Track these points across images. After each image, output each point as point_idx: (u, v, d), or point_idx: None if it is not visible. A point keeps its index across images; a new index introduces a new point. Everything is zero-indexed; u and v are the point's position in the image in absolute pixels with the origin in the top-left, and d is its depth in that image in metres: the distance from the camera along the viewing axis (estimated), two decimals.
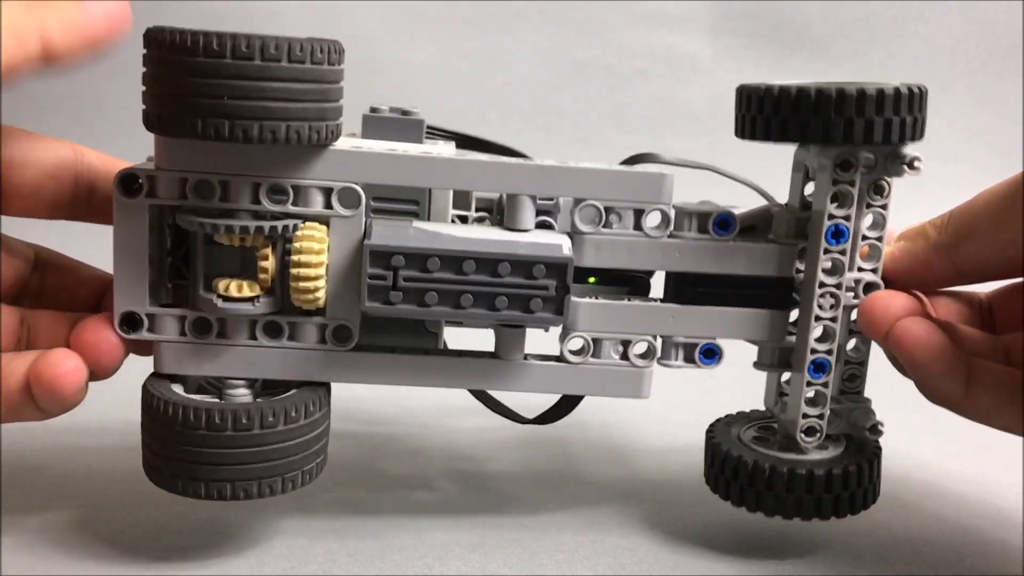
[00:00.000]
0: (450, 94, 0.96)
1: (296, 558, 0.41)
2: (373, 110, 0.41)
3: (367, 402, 0.54)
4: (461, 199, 0.42)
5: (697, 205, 0.40)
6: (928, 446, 0.52)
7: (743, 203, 0.43)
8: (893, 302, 0.38)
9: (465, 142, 0.45)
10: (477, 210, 0.42)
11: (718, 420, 0.45)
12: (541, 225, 0.40)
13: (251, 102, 0.34)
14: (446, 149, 0.41)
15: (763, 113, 0.38)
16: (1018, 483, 0.49)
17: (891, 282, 0.40)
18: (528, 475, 0.49)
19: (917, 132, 0.38)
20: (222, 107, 0.33)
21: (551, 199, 0.40)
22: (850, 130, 0.37)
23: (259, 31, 0.35)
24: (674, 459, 0.51)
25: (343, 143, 0.38)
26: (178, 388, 0.39)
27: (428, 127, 0.43)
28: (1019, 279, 0.42)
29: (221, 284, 0.37)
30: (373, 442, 0.52)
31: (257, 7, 0.93)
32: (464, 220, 0.42)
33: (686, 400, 0.54)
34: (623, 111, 0.97)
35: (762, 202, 0.43)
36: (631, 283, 0.42)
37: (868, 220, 0.40)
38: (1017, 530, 0.45)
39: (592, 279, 0.41)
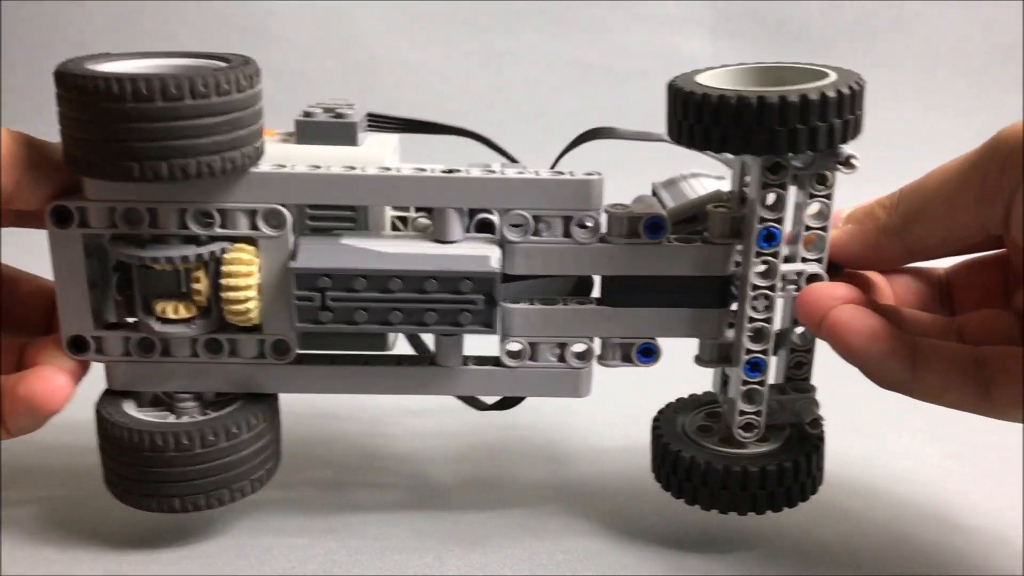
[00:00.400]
0: (450, 94, 0.96)
1: (296, 558, 0.41)
2: (306, 114, 0.41)
3: (363, 401, 0.54)
4: None
5: (628, 208, 0.39)
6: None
7: (708, 171, 0.42)
8: (826, 293, 0.38)
9: (412, 127, 0.44)
10: (418, 209, 0.42)
11: (668, 406, 0.44)
12: (482, 223, 0.40)
13: (156, 143, 0.34)
14: (386, 146, 0.41)
15: (687, 119, 0.36)
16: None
17: (839, 265, 0.40)
18: (526, 475, 0.49)
19: (849, 134, 0.36)
20: (129, 150, 0.34)
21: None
22: (773, 141, 0.35)
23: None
24: None
25: (272, 153, 0.38)
26: (130, 404, 0.40)
27: (370, 115, 0.43)
28: (976, 255, 0.41)
29: (158, 306, 0.38)
30: (375, 442, 0.52)
31: (257, 7, 0.93)
32: (404, 221, 0.42)
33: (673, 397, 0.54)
34: (623, 111, 0.97)
35: (725, 170, 0.42)
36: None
37: (812, 209, 0.39)
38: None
39: None
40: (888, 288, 0.41)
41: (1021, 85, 0.95)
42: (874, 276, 0.41)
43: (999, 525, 0.45)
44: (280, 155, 0.39)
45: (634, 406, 0.47)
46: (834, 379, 0.42)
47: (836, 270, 0.40)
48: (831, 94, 0.35)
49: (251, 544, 0.42)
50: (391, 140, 0.42)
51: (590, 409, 0.52)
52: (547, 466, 0.50)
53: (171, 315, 0.38)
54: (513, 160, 0.45)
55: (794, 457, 0.40)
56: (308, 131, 0.40)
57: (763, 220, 0.38)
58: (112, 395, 0.40)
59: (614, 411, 0.53)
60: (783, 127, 0.35)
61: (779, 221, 0.38)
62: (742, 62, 0.40)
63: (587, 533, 0.43)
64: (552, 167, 0.41)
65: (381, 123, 0.43)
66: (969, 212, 0.36)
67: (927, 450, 0.52)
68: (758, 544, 0.43)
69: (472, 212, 0.40)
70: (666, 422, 0.43)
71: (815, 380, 0.42)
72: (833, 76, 0.36)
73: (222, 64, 0.36)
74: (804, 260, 0.39)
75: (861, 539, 0.44)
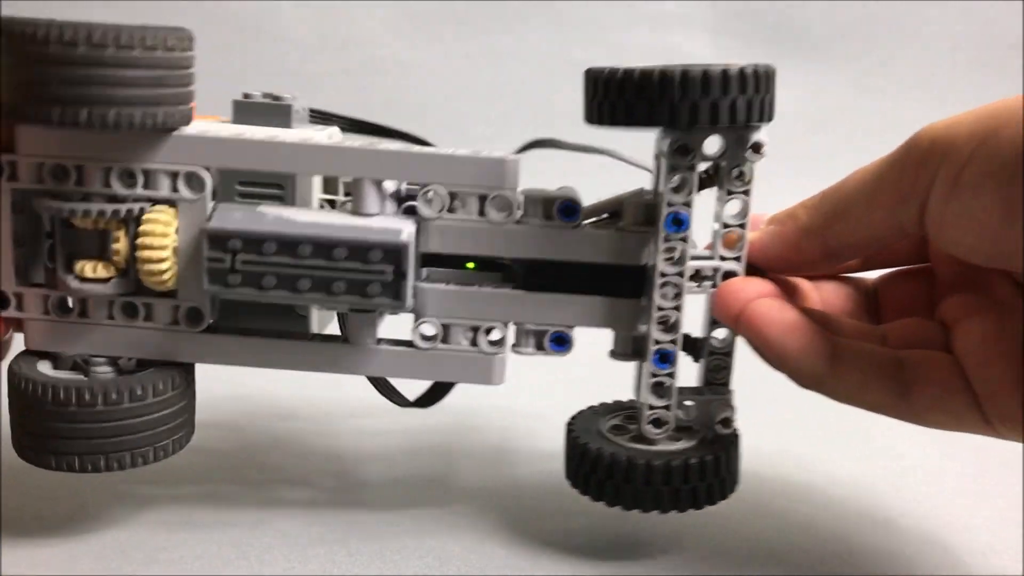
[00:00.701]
0: (450, 94, 0.96)
1: (296, 558, 0.41)
2: (245, 96, 0.42)
3: (355, 402, 0.54)
4: (331, 184, 0.43)
5: (543, 191, 0.39)
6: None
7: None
8: (745, 287, 0.38)
9: (353, 126, 0.45)
10: (346, 194, 0.43)
11: (588, 408, 0.44)
12: (409, 211, 0.40)
13: (77, 88, 0.35)
14: (320, 135, 0.41)
15: (596, 97, 0.37)
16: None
17: (759, 268, 0.40)
18: (524, 475, 0.49)
19: (755, 114, 0.36)
20: (52, 93, 0.35)
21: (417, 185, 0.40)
22: (675, 113, 0.35)
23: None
24: None
25: (195, 127, 0.39)
26: (46, 364, 0.41)
27: (312, 111, 0.43)
28: (904, 267, 0.41)
29: (78, 265, 0.39)
30: (375, 442, 0.52)
31: (258, 7, 0.94)
32: (332, 204, 0.42)
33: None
34: None
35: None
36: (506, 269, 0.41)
37: (731, 207, 0.39)
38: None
39: (470, 264, 0.41)
40: (815, 294, 0.41)
41: (1021, 85, 0.95)
42: (800, 282, 0.41)
43: (1000, 525, 0.45)
44: (216, 130, 0.39)
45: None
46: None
47: (758, 275, 0.40)
48: (734, 72, 0.35)
49: (251, 544, 0.42)
50: (328, 130, 0.43)
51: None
52: (539, 467, 0.50)
53: (89, 274, 0.39)
54: None
55: (703, 455, 0.39)
56: (244, 111, 0.41)
57: (671, 204, 0.38)
58: (28, 355, 0.41)
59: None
60: (684, 100, 0.35)
61: (687, 204, 0.38)
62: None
63: (590, 531, 0.43)
64: None
65: (324, 119, 0.44)
66: (886, 211, 0.36)
67: (926, 450, 0.52)
68: (697, 547, 0.43)
69: (400, 200, 0.40)
70: (581, 422, 0.43)
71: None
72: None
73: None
74: (723, 258, 0.39)
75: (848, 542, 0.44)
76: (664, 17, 0.99)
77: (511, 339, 0.41)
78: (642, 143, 0.43)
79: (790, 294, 0.40)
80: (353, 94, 0.92)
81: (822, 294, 0.41)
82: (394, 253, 0.37)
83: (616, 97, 0.36)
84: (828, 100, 0.93)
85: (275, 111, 0.41)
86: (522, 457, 0.51)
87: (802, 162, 0.68)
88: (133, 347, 0.40)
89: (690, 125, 0.36)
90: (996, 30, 0.99)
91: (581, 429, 0.42)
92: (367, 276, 0.38)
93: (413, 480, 0.48)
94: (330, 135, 0.42)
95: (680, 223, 0.38)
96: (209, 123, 0.41)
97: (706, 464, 0.39)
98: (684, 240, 0.38)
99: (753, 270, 0.39)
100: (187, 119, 0.38)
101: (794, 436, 0.51)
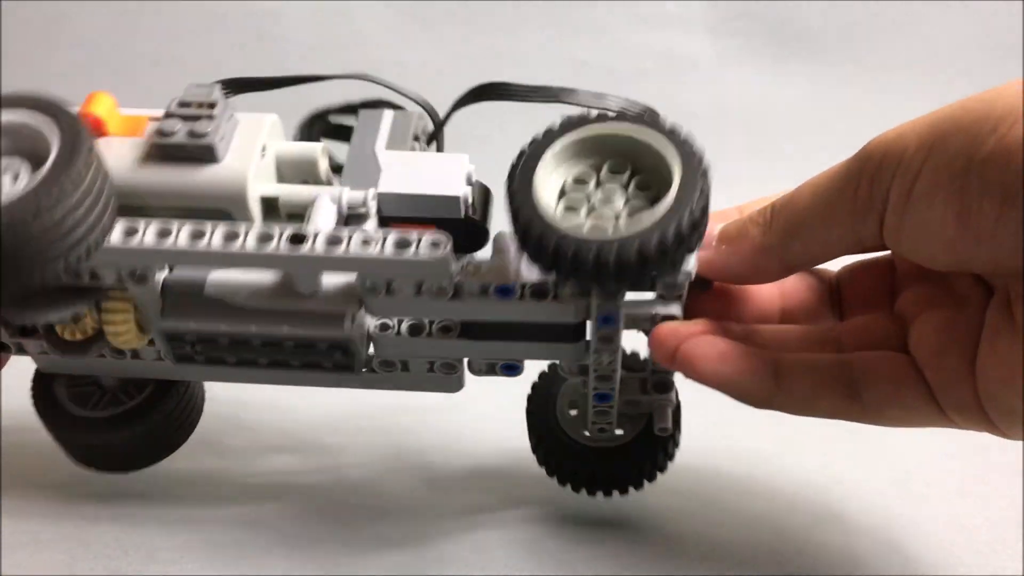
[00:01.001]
0: (450, 94, 0.96)
1: (296, 558, 0.41)
2: (163, 133, 0.39)
3: (355, 402, 0.54)
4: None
5: (479, 270, 0.40)
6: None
7: None
8: (675, 330, 0.38)
9: (274, 84, 0.45)
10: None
11: (548, 373, 0.47)
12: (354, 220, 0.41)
13: None
14: (252, 152, 0.40)
15: (517, 230, 0.36)
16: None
17: (708, 280, 0.40)
18: (524, 473, 0.49)
19: (679, 267, 0.36)
20: None
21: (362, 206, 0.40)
22: (590, 283, 0.35)
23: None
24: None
25: (126, 183, 0.38)
26: (62, 382, 0.44)
27: (223, 84, 0.42)
28: (866, 258, 0.42)
29: (57, 327, 0.41)
30: (375, 442, 0.52)
31: (257, 7, 0.93)
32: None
33: None
34: None
35: None
36: None
37: None
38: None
39: None
40: (775, 287, 0.41)
41: None
42: (741, 291, 0.41)
43: (1000, 525, 0.45)
44: (142, 182, 0.39)
45: None
46: None
47: (706, 286, 0.40)
48: (650, 249, 0.34)
49: (251, 544, 0.42)
50: (261, 134, 0.41)
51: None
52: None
53: (68, 337, 0.40)
54: (417, 102, 0.45)
55: (641, 460, 0.43)
56: (168, 153, 0.39)
57: (600, 307, 0.38)
58: (47, 385, 0.44)
59: None
60: (600, 278, 0.34)
61: (616, 307, 0.38)
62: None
63: (592, 531, 0.43)
64: (440, 126, 0.44)
65: (238, 88, 0.42)
66: (844, 228, 0.36)
67: (926, 450, 0.52)
68: (697, 549, 0.44)
69: (342, 215, 0.41)
70: (538, 402, 0.46)
71: None
72: (677, 166, 0.36)
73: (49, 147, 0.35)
74: (662, 297, 0.39)
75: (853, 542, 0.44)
76: (664, 17, 0.99)
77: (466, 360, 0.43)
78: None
79: (743, 298, 0.40)
80: (353, 95, 0.92)
81: (782, 287, 0.41)
82: (342, 342, 0.39)
83: (535, 252, 0.35)
84: (828, 100, 0.93)
85: (198, 151, 0.39)
86: (522, 455, 0.51)
87: (802, 162, 0.68)
88: (135, 369, 0.43)
89: (607, 296, 0.37)
90: (997, 30, 0.99)
91: (538, 417, 0.45)
92: (319, 358, 0.40)
93: (413, 480, 0.48)
94: (264, 147, 0.41)
95: (609, 319, 0.39)
96: (135, 168, 0.39)
97: (643, 468, 0.43)
98: (616, 330, 0.39)
99: (701, 282, 0.40)
100: (109, 229, 0.36)
101: (792, 437, 0.51)
